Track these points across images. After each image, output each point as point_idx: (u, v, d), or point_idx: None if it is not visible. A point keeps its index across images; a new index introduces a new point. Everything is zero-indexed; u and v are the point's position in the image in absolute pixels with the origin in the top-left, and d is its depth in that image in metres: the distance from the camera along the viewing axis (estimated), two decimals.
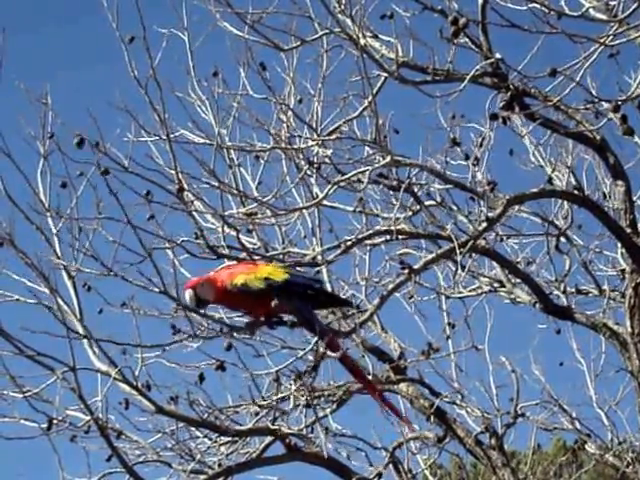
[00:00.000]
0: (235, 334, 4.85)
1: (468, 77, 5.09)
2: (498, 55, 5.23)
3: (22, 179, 4.82)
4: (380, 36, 5.50)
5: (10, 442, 5.08)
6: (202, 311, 4.84)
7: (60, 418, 5.22)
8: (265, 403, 5.37)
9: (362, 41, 5.18)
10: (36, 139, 5.15)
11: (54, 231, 5.10)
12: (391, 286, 4.98)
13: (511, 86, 5.18)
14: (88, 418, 5.06)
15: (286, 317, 4.89)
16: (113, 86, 5.15)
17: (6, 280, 5.05)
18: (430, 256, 5.17)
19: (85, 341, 5.10)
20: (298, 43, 5.57)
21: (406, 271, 4.96)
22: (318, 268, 5.29)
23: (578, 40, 4.90)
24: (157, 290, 4.63)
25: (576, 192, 5.95)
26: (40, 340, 4.76)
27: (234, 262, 5.12)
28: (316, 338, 4.81)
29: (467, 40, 5.26)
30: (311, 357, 5.06)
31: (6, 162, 4.75)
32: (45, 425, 5.00)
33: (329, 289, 5.53)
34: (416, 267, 4.99)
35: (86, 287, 5.16)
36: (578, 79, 5.08)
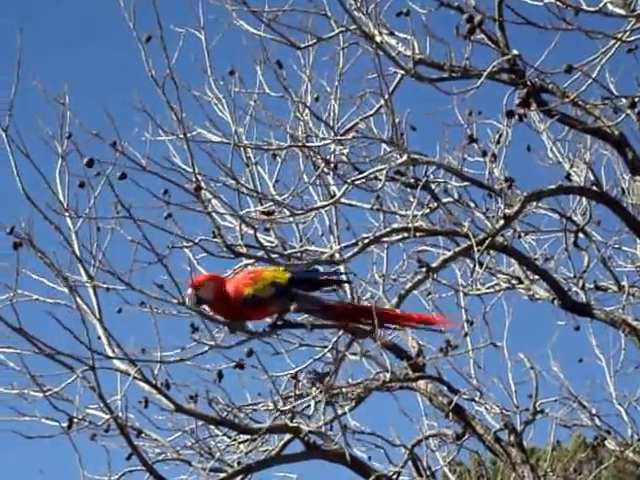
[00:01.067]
0: (257, 339, 4.83)
1: (485, 74, 5.07)
2: (515, 51, 5.21)
3: (40, 179, 4.85)
4: (396, 33, 5.49)
5: (31, 441, 5.11)
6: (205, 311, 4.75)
7: (80, 417, 5.25)
8: (287, 408, 5.35)
9: (378, 38, 5.18)
10: (54, 139, 5.17)
11: (72, 231, 5.11)
12: (409, 284, 4.98)
13: (528, 82, 5.15)
14: (108, 417, 5.09)
15: (300, 318, 4.88)
16: (130, 86, 5.16)
17: (26, 280, 5.07)
18: (448, 254, 5.17)
19: (104, 340, 5.12)
20: (314, 41, 5.57)
21: (424, 269, 4.96)
22: (336, 267, 5.29)
23: (595, 36, 4.88)
24: (175, 301, 4.62)
25: (594, 188, 5.93)
26: (60, 339, 4.78)
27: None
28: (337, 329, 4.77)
29: (483, 37, 5.24)
30: (330, 355, 5.06)
31: (25, 162, 4.78)
32: (65, 424, 5.02)
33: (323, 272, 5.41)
34: (434, 265, 4.98)
35: (104, 287, 5.17)
36: (595, 75, 5.06)
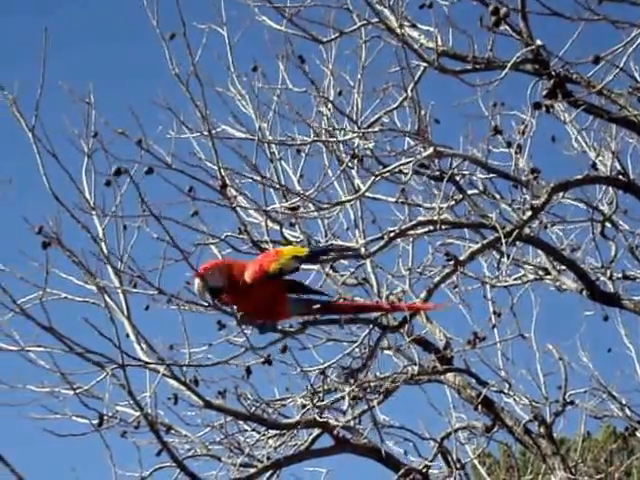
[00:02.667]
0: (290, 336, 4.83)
1: (509, 65, 5.04)
2: (539, 42, 5.18)
3: (67, 178, 4.87)
4: (419, 26, 5.47)
5: (63, 439, 5.13)
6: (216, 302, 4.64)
7: (110, 414, 5.28)
8: (323, 403, 5.34)
9: (400, 31, 5.16)
10: (80, 138, 5.20)
11: (100, 229, 5.14)
12: (437, 278, 4.96)
13: (553, 73, 5.12)
14: (138, 414, 5.11)
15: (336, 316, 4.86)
16: (154, 84, 5.19)
17: (55, 279, 5.10)
18: (475, 247, 5.15)
19: (133, 337, 5.14)
20: (336, 35, 5.56)
21: (452, 263, 4.94)
22: (363, 261, 5.29)
23: (621, 26, 4.84)
24: (206, 305, 4.61)
25: (621, 177, 5.88)
26: (89, 337, 4.81)
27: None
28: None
29: (507, 27, 5.21)
30: (358, 350, 5.06)
31: (52, 162, 4.81)
32: (96, 421, 5.05)
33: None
34: (462, 258, 4.97)
35: (132, 284, 5.20)
36: (622, 64, 5.02)
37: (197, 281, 4.57)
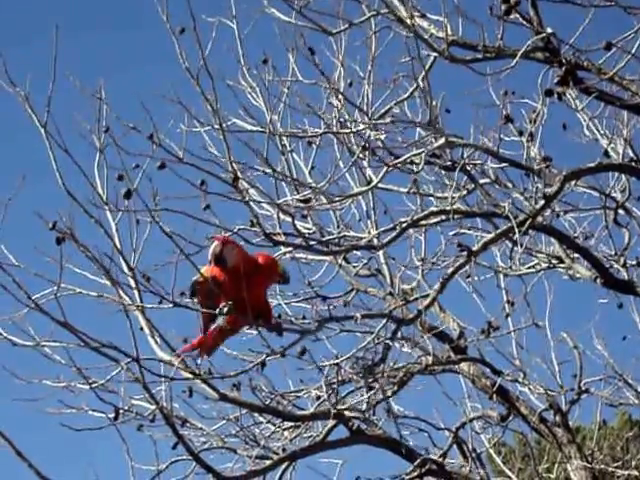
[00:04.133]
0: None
1: (520, 53, 5.03)
2: (549, 30, 5.15)
3: (80, 174, 4.88)
4: (429, 15, 5.45)
5: (79, 433, 5.16)
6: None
7: (126, 408, 5.30)
8: (343, 395, 5.35)
9: (411, 21, 5.15)
10: (92, 133, 5.21)
11: (113, 224, 5.15)
12: (451, 269, 4.96)
13: (564, 61, 5.10)
14: (153, 407, 5.13)
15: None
16: (165, 78, 5.19)
17: (69, 274, 5.11)
18: (489, 236, 5.14)
19: (147, 331, 5.16)
20: (346, 26, 5.54)
21: (465, 253, 4.94)
22: (375, 252, 5.29)
23: (632, 11, 4.81)
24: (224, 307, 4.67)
25: (633, 164, 5.86)
26: (104, 331, 4.83)
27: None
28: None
29: (517, 16, 5.19)
30: (372, 342, 5.06)
31: (64, 157, 4.82)
32: (112, 415, 5.06)
33: None
34: (475, 249, 4.96)
35: (145, 278, 5.21)
36: (633, 50, 4.99)
37: (217, 245, 4.71)
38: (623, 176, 6.30)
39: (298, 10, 5.39)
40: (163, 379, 4.86)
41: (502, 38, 5.14)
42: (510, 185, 5.73)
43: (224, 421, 5.73)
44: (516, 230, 4.92)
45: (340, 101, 5.65)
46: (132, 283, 5.12)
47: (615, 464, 7.00)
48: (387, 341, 4.93)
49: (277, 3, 5.54)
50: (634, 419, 10.14)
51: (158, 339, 5.12)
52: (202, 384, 5.14)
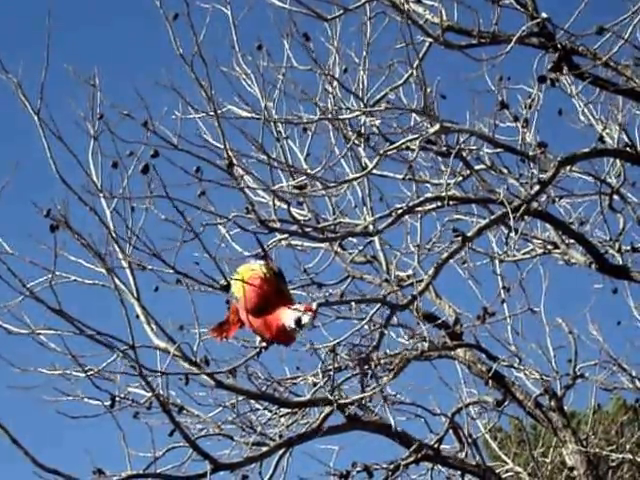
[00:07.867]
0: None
1: (515, 38, 5.02)
2: (544, 14, 5.15)
3: (74, 161, 4.87)
4: (423, 1, 5.44)
5: (76, 421, 5.15)
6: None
7: (122, 396, 5.30)
8: (339, 382, 5.37)
9: (405, 7, 5.13)
10: (86, 120, 5.19)
11: (107, 211, 5.14)
12: (445, 255, 4.96)
13: (559, 46, 5.09)
14: (150, 394, 5.13)
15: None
16: (159, 64, 5.17)
17: (63, 262, 5.11)
18: (483, 222, 5.14)
19: (143, 319, 5.15)
20: (341, 12, 5.52)
21: (460, 239, 4.94)
22: (370, 238, 5.29)
23: None
24: (218, 286, 4.66)
25: (628, 149, 5.86)
26: (99, 319, 4.83)
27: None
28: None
29: (512, 1, 5.18)
30: (367, 327, 5.06)
31: (58, 145, 4.81)
32: (108, 403, 5.07)
33: None
34: (470, 234, 4.96)
35: (140, 266, 5.20)
36: (627, 35, 4.99)
37: (310, 317, 4.77)
38: (618, 161, 6.30)
39: None
40: (159, 368, 4.87)
41: (497, 23, 5.13)
42: (506, 171, 5.73)
43: (220, 408, 5.73)
44: (511, 216, 4.93)
45: (335, 87, 5.63)
46: (128, 271, 5.12)
47: (610, 448, 7.02)
48: (382, 328, 4.91)
49: None
50: (628, 403, 10.17)
51: (154, 326, 5.12)
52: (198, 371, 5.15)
